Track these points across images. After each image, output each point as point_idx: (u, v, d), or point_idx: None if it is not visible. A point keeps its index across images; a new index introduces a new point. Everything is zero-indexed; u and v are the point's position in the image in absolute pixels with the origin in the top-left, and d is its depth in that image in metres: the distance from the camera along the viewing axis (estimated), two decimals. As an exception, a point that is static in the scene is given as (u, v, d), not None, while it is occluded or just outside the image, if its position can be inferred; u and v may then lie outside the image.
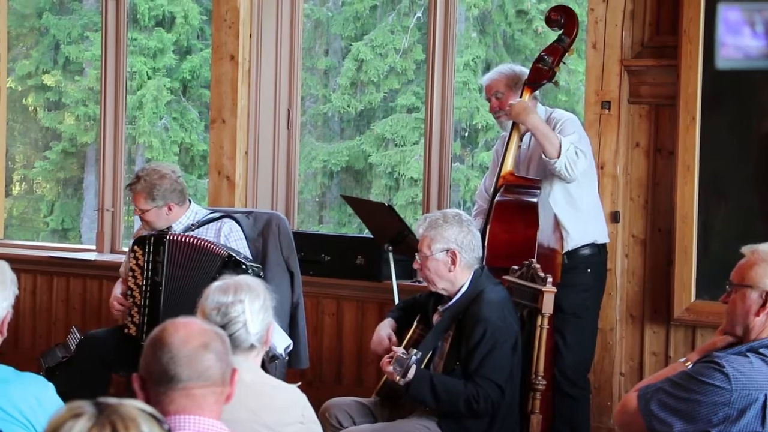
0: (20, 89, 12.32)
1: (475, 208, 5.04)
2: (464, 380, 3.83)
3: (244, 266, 4.60)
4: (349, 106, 11.54)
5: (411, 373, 3.77)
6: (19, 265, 6.35)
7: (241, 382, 2.46)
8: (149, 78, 11.77)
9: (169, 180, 4.75)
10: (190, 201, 4.88)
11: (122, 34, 6.53)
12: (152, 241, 4.71)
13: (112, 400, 1.79)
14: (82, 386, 4.54)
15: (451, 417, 3.88)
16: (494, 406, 3.82)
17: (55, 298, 6.53)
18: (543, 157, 4.55)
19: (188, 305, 4.56)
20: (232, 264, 4.58)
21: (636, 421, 2.89)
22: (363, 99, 11.57)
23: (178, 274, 4.66)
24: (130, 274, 4.76)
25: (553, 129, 4.64)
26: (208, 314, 3.01)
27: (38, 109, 12.51)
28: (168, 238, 4.69)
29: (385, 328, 4.23)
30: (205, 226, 4.80)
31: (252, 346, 3.05)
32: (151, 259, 4.69)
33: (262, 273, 4.69)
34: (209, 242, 4.68)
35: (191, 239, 4.69)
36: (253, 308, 3.04)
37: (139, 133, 11.63)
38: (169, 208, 4.75)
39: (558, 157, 4.51)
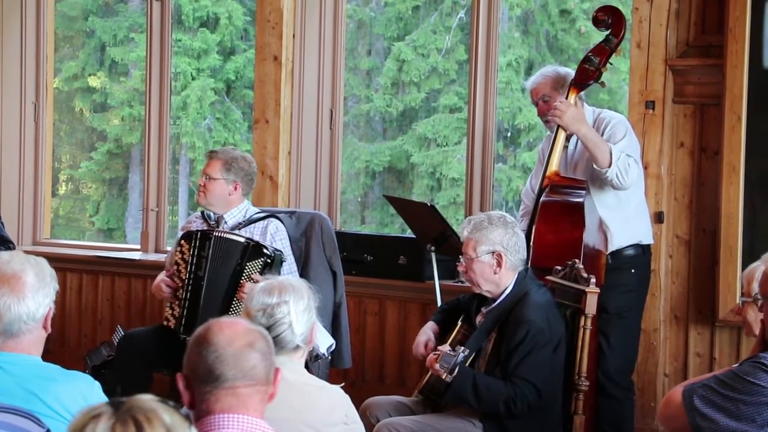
0: (67, 90, 12.43)
1: (521, 207, 5.02)
2: (503, 381, 3.83)
3: (265, 249, 4.65)
4: (390, 107, 11.53)
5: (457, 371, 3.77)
6: (66, 264, 6.46)
7: (285, 381, 2.48)
8: (193, 79, 11.83)
9: (249, 164, 4.92)
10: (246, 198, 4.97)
11: (167, 36, 6.58)
12: (199, 236, 4.77)
13: (125, 398, 1.80)
14: (124, 385, 4.58)
15: (494, 417, 3.87)
16: (530, 407, 3.81)
17: (101, 297, 6.59)
18: (594, 167, 4.52)
19: (224, 300, 4.65)
20: (251, 250, 4.65)
21: (679, 416, 2.87)
22: (405, 99, 11.56)
23: (218, 269, 4.71)
24: (175, 267, 4.82)
25: (603, 130, 4.62)
26: (254, 316, 3.02)
27: (84, 110, 12.62)
28: (215, 234, 4.74)
29: (424, 334, 4.23)
30: (252, 225, 4.86)
31: (297, 347, 3.06)
32: (196, 253, 4.75)
33: (284, 258, 4.77)
34: (242, 236, 4.74)
35: (235, 236, 4.74)
36: (297, 309, 3.05)
37: (183, 133, 11.69)
38: (235, 188, 4.84)
39: (609, 167, 4.48)
